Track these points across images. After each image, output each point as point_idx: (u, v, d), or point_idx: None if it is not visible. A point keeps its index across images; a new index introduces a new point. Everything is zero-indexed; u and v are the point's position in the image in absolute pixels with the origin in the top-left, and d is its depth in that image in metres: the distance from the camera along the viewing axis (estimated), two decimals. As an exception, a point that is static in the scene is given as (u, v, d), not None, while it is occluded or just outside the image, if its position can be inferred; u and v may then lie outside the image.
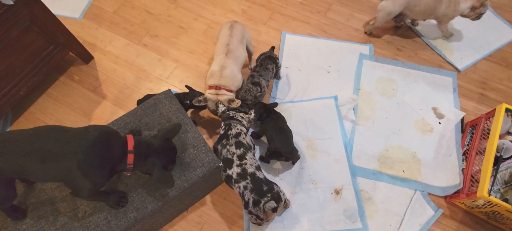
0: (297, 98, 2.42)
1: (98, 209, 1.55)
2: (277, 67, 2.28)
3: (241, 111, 1.97)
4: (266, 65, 2.19)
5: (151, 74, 2.60)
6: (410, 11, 2.37)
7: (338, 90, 2.48)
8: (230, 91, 2.00)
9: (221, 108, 1.94)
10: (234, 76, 2.00)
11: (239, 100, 1.95)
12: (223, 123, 1.89)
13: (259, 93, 2.08)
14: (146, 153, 1.38)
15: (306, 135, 2.23)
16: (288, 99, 2.42)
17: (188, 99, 2.04)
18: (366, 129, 2.29)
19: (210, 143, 2.21)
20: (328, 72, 2.58)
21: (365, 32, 2.75)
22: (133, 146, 1.36)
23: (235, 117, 1.87)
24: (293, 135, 2.17)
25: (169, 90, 1.91)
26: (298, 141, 2.20)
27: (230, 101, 1.91)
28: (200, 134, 1.78)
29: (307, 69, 2.59)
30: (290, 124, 2.27)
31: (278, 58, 2.28)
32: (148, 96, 2.03)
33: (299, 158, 1.97)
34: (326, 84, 2.51)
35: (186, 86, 2.15)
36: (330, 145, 2.20)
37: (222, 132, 1.82)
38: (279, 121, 1.97)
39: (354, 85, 2.50)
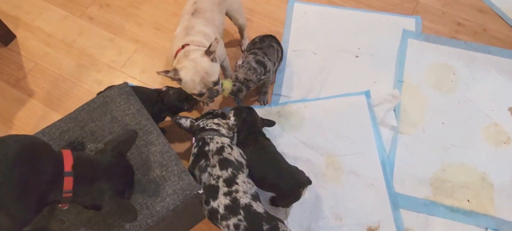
0: (312, 96, 2.43)
1: (20, 259, 1.36)
2: (281, 55, 2.33)
3: (214, 116, 2.01)
4: (270, 42, 2.24)
5: (99, 61, 2.58)
6: None
7: (372, 83, 2.49)
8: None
9: (185, 122, 1.99)
10: (206, 35, 2.02)
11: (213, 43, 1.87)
12: (193, 138, 1.93)
13: (264, 76, 2.13)
14: (91, 174, 1.38)
15: (326, 149, 2.24)
16: (299, 97, 2.42)
17: (166, 105, 2.06)
18: (413, 139, 2.30)
19: (186, 161, 2.15)
20: (357, 57, 2.60)
21: None
22: (72, 165, 1.35)
23: (208, 127, 1.92)
24: (307, 149, 2.22)
25: (125, 84, 1.91)
26: (314, 157, 2.21)
27: (209, 53, 1.86)
28: (170, 148, 1.75)
29: (326, 53, 2.59)
30: (303, 131, 2.30)
31: (281, 45, 2.33)
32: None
33: (310, 183, 1.94)
34: (354, 75, 2.52)
35: (167, 88, 2.15)
36: (361, 162, 2.21)
37: (194, 150, 1.86)
38: (268, 152, 1.99)
39: (395, 76, 2.52)
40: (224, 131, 1.93)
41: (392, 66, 2.58)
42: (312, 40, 2.67)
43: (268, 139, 2.04)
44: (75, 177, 1.34)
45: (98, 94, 2.07)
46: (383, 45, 2.65)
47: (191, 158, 1.86)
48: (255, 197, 1.72)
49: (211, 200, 1.68)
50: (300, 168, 1.99)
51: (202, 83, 1.90)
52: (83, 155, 1.43)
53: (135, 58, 2.62)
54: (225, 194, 1.66)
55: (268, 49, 2.22)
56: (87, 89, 2.51)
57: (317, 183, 2.15)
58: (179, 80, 1.87)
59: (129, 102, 1.85)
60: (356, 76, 2.52)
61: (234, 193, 1.67)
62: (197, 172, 1.79)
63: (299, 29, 2.72)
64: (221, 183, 1.70)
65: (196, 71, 1.86)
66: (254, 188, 1.78)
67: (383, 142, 2.28)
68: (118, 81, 2.44)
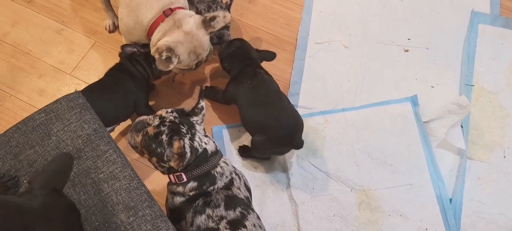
0: (342, 106, 2.35)
1: None
2: None
3: (191, 128, 1.77)
4: None
5: (41, 62, 2.46)
6: None
7: (429, 87, 2.40)
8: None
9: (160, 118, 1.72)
10: None
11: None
12: (171, 176, 1.73)
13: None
14: (19, 225, 1.26)
15: (357, 181, 2.16)
16: (323, 107, 2.35)
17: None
18: (490, 168, 2.18)
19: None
20: (407, 51, 2.51)
21: None
22: None
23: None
24: (331, 181, 2.17)
25: (77, 93, 1.83)
26: (341, 193, 2.12)
27: (207, 24, 1.92)
28: (141, 182, 1.67)
29: (363, 46, 2.52)
30: (324, 157, 2.20)
31: None
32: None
33: (302, 143, 1.98)
34: (402, 77, 2.43)
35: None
36: (409, 199, 2.10)
37: (190, 193, 1.70)
38: (269, 90, 2.02)
39: (462, 78, 2.41)
40: (212, 146, 1.74)
41: (457, 63, 2.46)
42: (343, 28, 2.56)
43: (269, 75, 2.08)
44: None
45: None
46: (444, 35, 2.55)
47: (179, 197, 1.72)
48: None
49: None
50: (321, 207, 2.04)
51: (195, 59, 2.00)
52: (6, 199, 1.32)
53: (93, 56, 2.49)
54: None
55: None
56: (24, 101, 2.36)
57: (346, 230, 2.07)
58: (173, 58, 1.92)
59: (83, 119, 1.77)
60: (406, 79, 2.42)
61: None
62: (190, 215, 1.69)
63: (325, 14, 2.60)
64: (223, 225, 1.62)
65: (193, 47, 1.94)
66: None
67: (441, 172, 2.16)
68: (67, 89, 2.42)
